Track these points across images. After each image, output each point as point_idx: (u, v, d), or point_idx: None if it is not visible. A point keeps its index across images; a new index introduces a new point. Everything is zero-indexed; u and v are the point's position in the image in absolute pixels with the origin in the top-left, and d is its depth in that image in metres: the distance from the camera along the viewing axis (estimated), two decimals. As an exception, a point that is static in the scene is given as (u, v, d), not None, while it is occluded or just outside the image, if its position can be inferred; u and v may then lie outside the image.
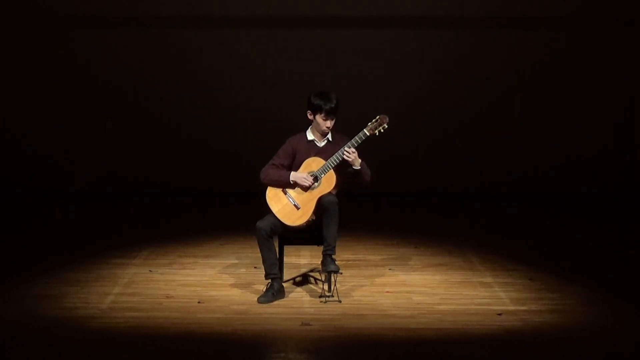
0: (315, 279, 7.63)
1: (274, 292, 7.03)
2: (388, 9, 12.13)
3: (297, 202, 7.04)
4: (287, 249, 7.41)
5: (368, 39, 12.20)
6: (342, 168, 7.10)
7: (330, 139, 7.20)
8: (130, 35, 12.16)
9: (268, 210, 7.06)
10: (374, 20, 12.15)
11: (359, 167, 7.09)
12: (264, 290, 7.06)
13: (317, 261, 7.55)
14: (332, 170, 7.05)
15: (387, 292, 7.34)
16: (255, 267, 7.98)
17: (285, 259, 7.39)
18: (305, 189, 7.05)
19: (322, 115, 7.08)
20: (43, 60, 12.15)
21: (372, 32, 12.19)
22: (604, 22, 12.19)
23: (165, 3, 12.13)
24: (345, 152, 7.00)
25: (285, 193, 7.08)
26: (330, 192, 7.05)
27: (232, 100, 12.22)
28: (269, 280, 7.06)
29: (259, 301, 6.97)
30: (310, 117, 7.17)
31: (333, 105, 7.07)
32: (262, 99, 12.18)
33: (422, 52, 12.23)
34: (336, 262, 7.03)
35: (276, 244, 7.18)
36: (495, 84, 12.23)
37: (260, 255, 7.07)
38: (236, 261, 8.35)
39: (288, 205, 7.04)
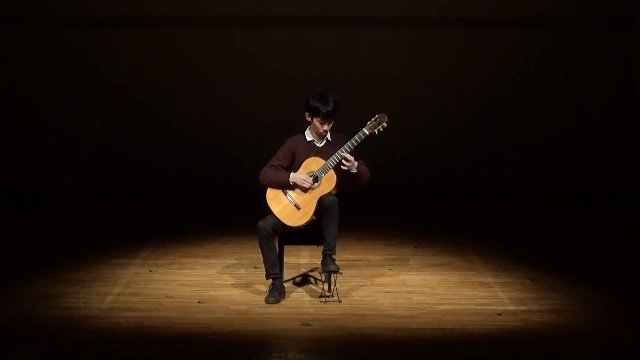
0: (315, 279, 7.64)
1: (279, 291, 7.03)
2: (387, 9, 12.12)
3: (298, 203, 7.03)
4: (287, 249, 7.41)
5: (367, 39, 12.18)
6: (342, 168, 7.10)
7: (329, 139, 7.20)
8: (127, 35, 12.14)
9: (269, 211, 7.06)
10: (374, 20, 12.14)
11: (356, 171, 7.10)
12: (269, 290, 7.06)
13: (317, 261, 7.55)
14: (332, 170, 7.05)
15: (387, 292, 7.34)
16: (255, 267, 7.98)
17: (285, 259, 7.39)
18: (305, 190, 7.05)
19: (320, 118, 7.07)
20: (41, 60, 12.12)
21: (372, 32, 12.18)
22: (604, 22, 12.19)
23: (163, 3, 12.12)
24: (343, 162, 6.99)
25: (285, 194, 7.08)
26: (330, 192, 7.05)
27: (232, 100, 12.21)
28: (271, 280, 7.06)
29: (268, 302, 6.96)
30: (308, 119, 7.16)
31: (330, 109, 7.06)
32: (262, 99, 12.17)
33: (422, 52, 12.22)
34: (336, 262, 7.03)
35: (276, 244, 7.18)
36: (495, 84, 12.21)
37: (260, 255, 7.07)
38: (236, 261, 8.35)
39: (289, 206, 7.04)
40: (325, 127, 7.11)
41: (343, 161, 7.01)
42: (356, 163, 7.07)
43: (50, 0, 12.09)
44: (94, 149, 12.22)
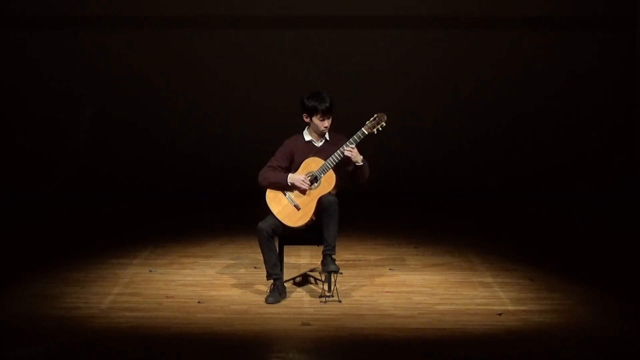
0: (315, 279, 7.64)
1: (279, 291, 7.03)
2: (388, 8, 12.12)
3: (297, 203, 7.03)
4: (287, 249, 7.41)
5: (367, 39, 12.18)
6: (341, 167, 7.10)
7: (327, 138, 7.19)
8: (127, 35, 12.14)
9: (268, 211, 7.06)
10: (374, 20, 12.14)
11: (362, 163, 7.08)
12: (269, 290, 7.06)
13: (317, 261, 7.55)
14: (331, 170, 7.04)
15: (387, 292, 7.34)
16: (255, 267, 7.98)
17: (285, 259, 7.39)
18: (304, 191, 7.04)
19: (319, 116, 7.07)
20: (41, 60, 12.12)
21: (372, 32, 12.18)
22: (604, 23, 12.19)
23: (162, 3, 12.11)
24: (346, 150, 6.99)
25: (285, 194, 7.07)
26: (330, 192, 7.05)
27: (232, 100, 12.21)
28: (272, 281, 7.06)
29: (268, 302, 6.96)
30: (306, 119, 7.15)
31: (328, 105, 7.06)
32: (262, 98, 12.16)
33: (421, 51, 12.21)
34: (336, 262, 7.03)
35: (276, 244, 7.17)
36: (495, 84, 12.21)
37: (260, 255, 7.07)
38: (236, 261, 8.35)
39: (288, 207, 7.04)
40: (326, 124, 7.10)
41: (346, 151, 6.97)
42: (360, 156, 7.04)
43: (50, 0, 12.09)
44: (95, 149, 12.21)
